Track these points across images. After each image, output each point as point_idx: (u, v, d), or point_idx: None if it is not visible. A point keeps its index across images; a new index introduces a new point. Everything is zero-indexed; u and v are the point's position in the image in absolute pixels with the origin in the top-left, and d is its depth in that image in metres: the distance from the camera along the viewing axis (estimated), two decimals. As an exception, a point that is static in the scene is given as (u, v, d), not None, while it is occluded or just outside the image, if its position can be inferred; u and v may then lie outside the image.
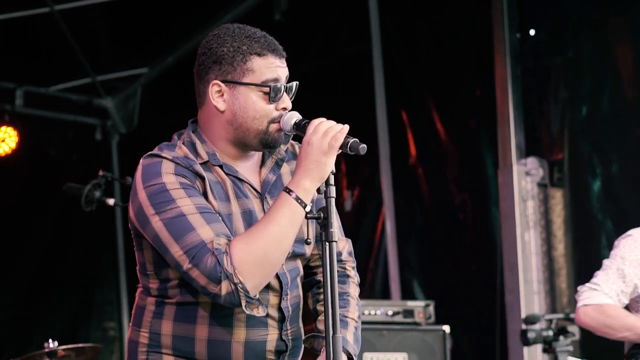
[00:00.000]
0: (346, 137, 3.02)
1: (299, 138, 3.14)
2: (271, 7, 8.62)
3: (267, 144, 3.18)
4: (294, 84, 3.22)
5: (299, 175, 3.00)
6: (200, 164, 3.12)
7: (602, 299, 4.79)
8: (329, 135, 3.00)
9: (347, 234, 9.01)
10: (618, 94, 7.06)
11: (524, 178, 7.29)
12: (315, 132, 3.01)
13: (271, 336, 3.14)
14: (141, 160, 3.13)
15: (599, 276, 4.85)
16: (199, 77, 3.25)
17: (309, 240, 3.09)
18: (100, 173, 5.89)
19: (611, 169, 7.04)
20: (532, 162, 7.34)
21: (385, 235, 8.40)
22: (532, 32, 7.51)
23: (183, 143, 3.18)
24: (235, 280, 2.90)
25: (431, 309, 6.77)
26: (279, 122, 3.15)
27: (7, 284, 9.89)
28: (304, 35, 8.75)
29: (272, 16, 8.57)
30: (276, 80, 3.16)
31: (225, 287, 2.91)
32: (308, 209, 3.00)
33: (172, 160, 3.08)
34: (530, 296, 7.13)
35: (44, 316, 10.00)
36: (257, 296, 2.98)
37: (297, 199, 2.98)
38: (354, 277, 3.54)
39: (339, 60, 8.74)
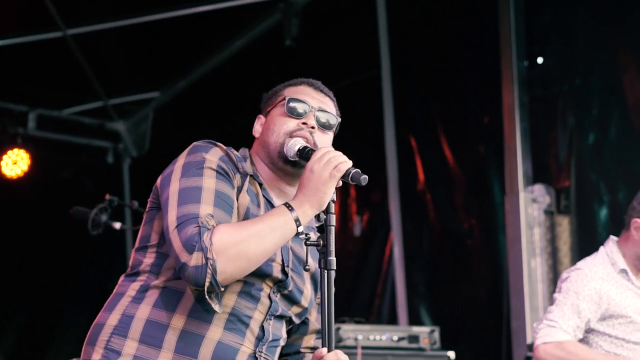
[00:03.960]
0: (349, 168, 3.06)
1: None
2: (282, 32, 8.67)
3: (285, 158, 3.23)
4: (326, 112, 3.31)
5: (300, 198, 3.04)
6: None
7: (561, 335, 4.84)
8: (331, 164, 3.04)
9: (356, 259, 8.99)
10: (625, 122, 7.06)
11: (530, 205, 7.30)
12: (319, 160, 3.05)
13: (245, 348, 3.12)
14: (195, 142, 3.21)
15: (555, 312, 4.91)
16: None
17: (307, 267, 3.12)
18: (107, 197, 5.95)
19: (618, 196, 7.04)
20: (539, 189, 7.35)
21: (393, 261, 8.41)
22: (539, 59, 7.54)
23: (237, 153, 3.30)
24: (208, 255, 2.87)
25: (436, 334, 6.78)
26: (298, 137, 3.23)
27: (18, 307, 9.95)
28: (313, 61, 8.80)
29: (283, 41, 8.63)
30: (302, 101, 3.28)
31: (195, 259, 2.88)
32: (301, 229, 3.02)
33: (224, 150, 3.18)
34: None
35: (54, 338, 10.04)
36: (222, 289, 2.96)
37: (295, 217, 3.01)
38: None
39: (348, 85, 8.77)
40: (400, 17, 8.54)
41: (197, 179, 3.06)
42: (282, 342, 3.29)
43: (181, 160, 3.14)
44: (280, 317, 3.24)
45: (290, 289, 3.21)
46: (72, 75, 9.33)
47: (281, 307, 3.21)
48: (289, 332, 3.38)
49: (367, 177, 3.04)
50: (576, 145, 7.31)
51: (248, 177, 3.20)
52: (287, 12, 8.61)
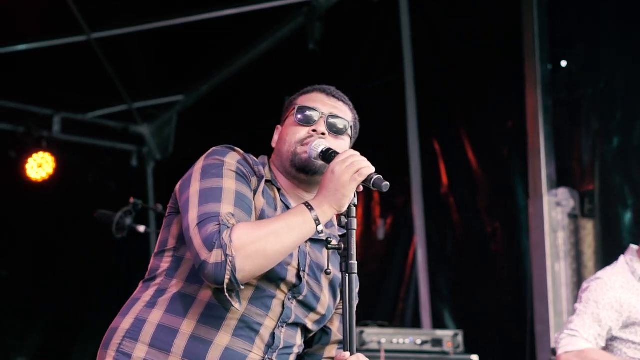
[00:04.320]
0: (371, 173, 3.06)
1: None
2: (305, 36, 8.68)
3: (297, 166, 3.26)
4: (338, 116, 3.33)
5: (319, 199, 3.05)
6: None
7: (582, 344, 4.86)
8: (353, 168, 3.04)
9: (380, 263, 8.99)
10: (650, 126, 7.06)
11: (554, 209, 7.28)
12: (342, 162, 3.06)
13: (253, 355, 3.13)
14: (213, 147, 3.25)
15: (575, 322, 4.93)
16: None
17: (328, 270, 3.12)
18: (131, 200, 5.97)
19: (642, 200, 7.03)
20: (563, 192, 7.33)
21: (417, 264, 8.41)
22: (563, 63, 7.53)
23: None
24: (228, 252, 2.89)
25: (460, 338, 6.77)
26: (307, 144, 3.25)
27: (42, 309, 10.00)
28: (337, 65, 8.82)
29: (306, 45, 8.63)
30: (312, 108, 3.31)
31: (215, 256, 2.90)
32: (320, 228, 3.03)
33: (242, 154, 3.21)
34: (560, 327, 7.09)
35: (78, 341, 10.09)
36: (242, 287, 2.97)
37: (315, 217, 3.02)
38: None
39: (371, 89, 8.78)
40: (423, 20, 8.54)
41: (217, 180, 3.08)
42: (296, 350, 3.29)
43: (199, 163, 3.18)
44: (295, 325, 3.24)
45: (304, 294, 3.21)
46: (97, 79, 9.36)
47: (295, 314, 3.21)
48: (310, 341, 3.40)
49: (388, 184, 3.04)
50: (600, 148, 7.28)
51: (264, 180, 3.22)
52: (310, 16, 8.62)
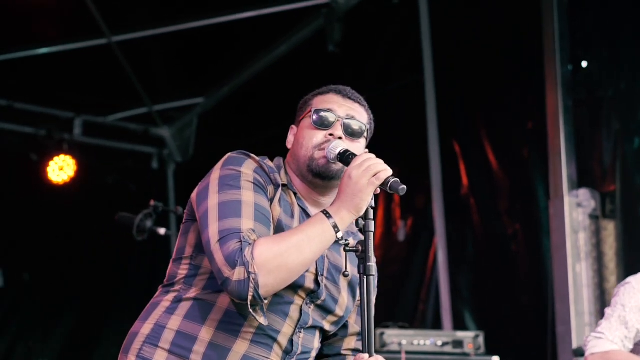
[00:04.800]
0: (388, 176, 3.04)
1: None
2: (325, 38, 8.68)
3: (314, 171, 3.24)
4: (354, 119, 3.30)
5: (337, 205, 3.04)
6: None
7: (608, 346, 4.87)
8: (370, 172, 3.03)
9: (400, 264, 8.97)
10: (671, 126, 7.04)
11: (575, 209, 7.25)
12: (358, 166, 3.04)
13: None
14: (228, 153, 3.23)
15: (603, 325, 4.95)
16: None
17: (347, 273, 3.12)
18: (152, 203, 6.00)
19: (664, 201, 7.01)
20: (584, 193, 7.30)
21: (437, 266, 8.40)
22: (584, 63, 7.49)
23: (272, 162, 3.31)
24: (250, 270, 2.90)
25: (481, 339, 6.76)
26: (324, 149, 3.23)
27: (64, 311, 10.04)
28: (356, 66, 8.82)
29: (326, 47, 8.63)
30: (328, 110, 3.28)
31: (238, 273, 2.91)
32: (340, 235, 3.03)
33: (257, 162, 3.19)
34: (581, 328, 7.08)
35: (100, 343, 10.12)
36: (266, 302, 2.98)
37: (333, 224, 3.01)
38: None
39: (391, 91, 8.78)
40: (442, 21, 8.53)
41: (235, 192, 3.07)
42: (314, 353, 3.30)
43: (216, 173, 3.16)
44: (312, 328, 3.25)
45: (323, 298, 3.21)
46: (118, 82, 9.40)
47: (313, 318, 3.22)
48: (328, 335, 3.39)
49: (405, 187, 3.02)
50: (621, 149, 7.25)
51: (281, 187, 3.20)
52: (330, 18, 8.62)
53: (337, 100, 3.33)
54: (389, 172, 3.04)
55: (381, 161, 3.06)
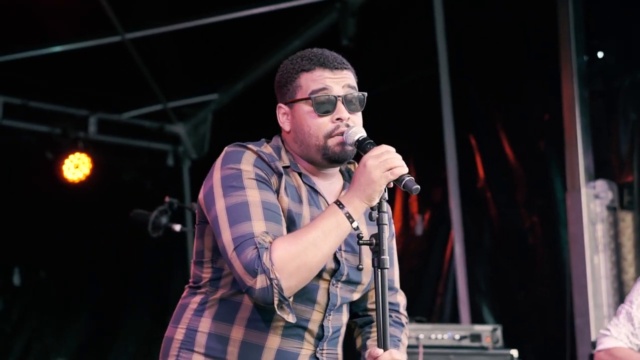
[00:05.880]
0: (403, 174, 3.00)
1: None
2: (339, 32, 8.66)
3: (331, 159, 3.20)
4: (352, 94, 3.21)
5: (350, 193, 3.01)
6: (282, 166, 3.18)
7: (612, 342, 4.88)
8: (386, 165, 2.99)
9: (418, 258, 8.95)
10: (688, 115, 7.00)
11: (592, 201, 7.22)
12: (375, 157, 3.00)
13: (305, 351, 3.17)
14: (226, 148, 3.19)
15: (612, 321, 4.96)
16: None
17: (360, 266, 3.08)
18: (167, 200, 5.99)
19: (682, 191, 6.97)
20: (601, 185, 7.27)
21: (455, 259, 8.39)
22: (600, 54, 7.46)
23: (270, 145, 3.27)
24: (272, 276, 2.89)
25: (499, 333, 6.74)
26: (338, 135, 3.16)
27: (80, 308, 10.05)
28: (371, 60, 8.78)
29: (340, 41, 8.61)
30: (323, 90, 3.19)
31: (260, 282, 2.90)
32: (355, 224, 3.00)
33: (255, 153, 3.14)
34: (600, 320, 7.06)
35: (117, 340, 10.13)
36: (291, 300, 2.98)
37: (347, 214, 2.99)
38: (407, 329, 3.54)
39: (406, 84, 8.76)
40: (457, 14, 8.50)
41: (240, 193, 3.04)
42: (343, 329, 3.31)
43: (217, 173, 3.12)
44: (341, 306, 3.25)
45: (346, 273, 3.19)
46: (132, 79, 9.40)
47: (341, 296, 3.21)
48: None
49: (419, 187, 2.98)
50: (638, 139, 7.22)
51: (284, 175, 3.16)
52: (343, 12, 8.60)
53: (325, 75, 3.21)
54: (405, 169, 3.00)
55: (399, 156, 3.02)
